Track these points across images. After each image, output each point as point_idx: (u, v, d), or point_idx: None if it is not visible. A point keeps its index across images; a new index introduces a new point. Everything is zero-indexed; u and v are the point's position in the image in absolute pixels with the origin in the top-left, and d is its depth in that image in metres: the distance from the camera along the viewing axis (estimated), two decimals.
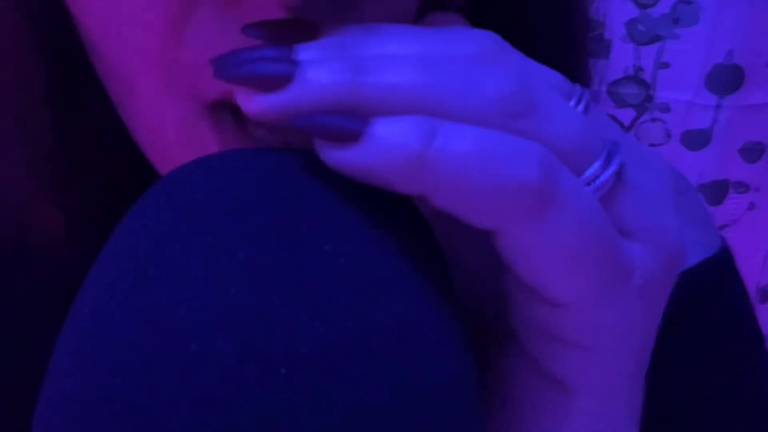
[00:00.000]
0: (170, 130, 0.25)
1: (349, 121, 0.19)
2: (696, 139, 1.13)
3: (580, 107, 0.22)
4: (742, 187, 1.16)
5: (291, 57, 0.20)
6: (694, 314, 0.37)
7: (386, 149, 0.19)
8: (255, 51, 0.21)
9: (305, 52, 0.21)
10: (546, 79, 0.22)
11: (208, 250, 0.19)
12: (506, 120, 0.20)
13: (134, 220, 0.21)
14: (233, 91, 0.22)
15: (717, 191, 1.16)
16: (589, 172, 0.21)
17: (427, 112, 0.20)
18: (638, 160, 0.22)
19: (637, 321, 0.22)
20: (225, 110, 0.25)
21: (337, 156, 0.20)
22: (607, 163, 0.21)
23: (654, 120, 1.12)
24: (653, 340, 0.23)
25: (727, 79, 1.10)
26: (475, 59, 0.21)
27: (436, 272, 0.21)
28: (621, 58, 1.09)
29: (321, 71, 0.20)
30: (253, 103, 0.20)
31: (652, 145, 1.11)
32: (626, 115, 1.12)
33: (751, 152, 1.14)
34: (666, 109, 1.12)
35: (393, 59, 0.20)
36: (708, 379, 0.37)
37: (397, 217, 0.21)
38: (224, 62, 0.21)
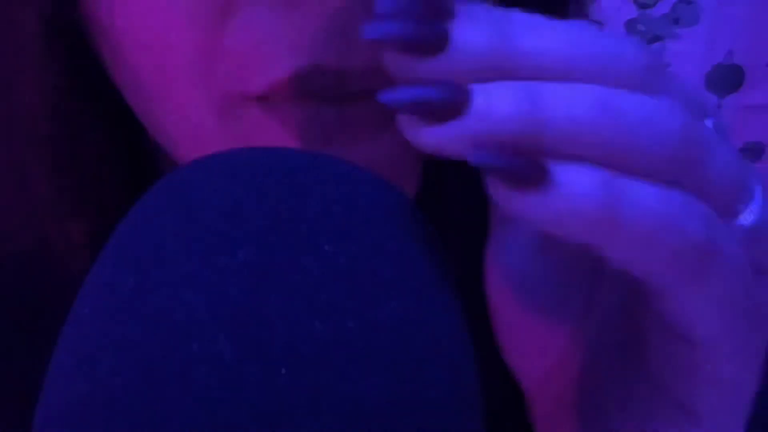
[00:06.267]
0: (211, 127, 0.24)
1: (533, 167, 0.18)
2: None
3: (711, 125, 0.21)
4: None
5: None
6: None
7: (572, 202, 0.18)
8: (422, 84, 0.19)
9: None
10: (695, 103, 0.21)
11: (208, 250, 0.19)
12: (676, 164, 0.19)
13: (135, 220, 0.21)
14: (282, 83, 0.22)
15: None
16: (743, 216, 0.21)
17: (602, 154, 0.19)
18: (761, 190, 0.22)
19: (761, 353, 0.22)
20: (277, 101, 0.24)
21: (517, 202, 0.19)
22: (753, 203, 0.21)
23: None
24: None
25: (727, 79, 1.10)
26: (639, 82, 0.20)
27: (437, 272, 0.21)
28: None
29: (494, 100, 0.19)
30: (425, 136, 0.19)
31: None
32: None
33: (751, 152, 1.14)
34: None
35: (566, 88, 0.19)
36: None
37: (398, 217, 0.21)
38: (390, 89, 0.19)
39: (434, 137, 0.19)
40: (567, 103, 0.19)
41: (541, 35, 0.19)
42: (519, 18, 0.19)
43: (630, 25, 1.07)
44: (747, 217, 0.21)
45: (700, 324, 0.21)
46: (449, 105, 0.19)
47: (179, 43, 0.24)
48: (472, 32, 0.19)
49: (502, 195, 0.19)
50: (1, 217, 0.32)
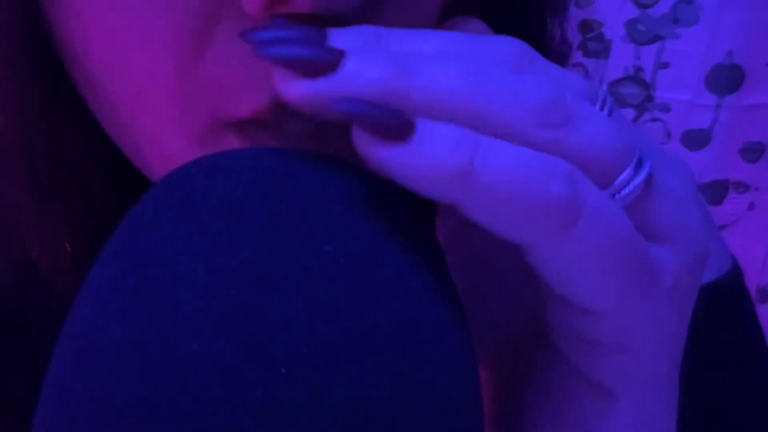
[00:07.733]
0: (189, 153, 0.24)
1: (398, 118, 0.19)
2: (696, 139, 1.13)
3: (605, 111, 0.22)
4: (742, 187, 1.16)
5: (327, 42, 0.20)
6: (714, 332, 0.38)
7: (432, 155, 0.19)
8: (292, 29, 0.20)
9: (340, 39, 0.20)
10: (575, 85, 0.22)
11: (208, 250, 0.19)
12: (542, 131, 0.20)
13: (134, 220, 0.21)
14: (262, 110, 0.22)
15: (717, 191, 1.16)
16: (621, 179, 0.21)
17: (466, 118, 0.20)
18: (663, 163, 0.23)
19: (669, 320, 0.22)
20: (252, 129, 0.24)
21: (379, 153, 0.19)
22: (637, 169, 0.21)
23: (654, 120, 1.12)
24: (684, 339, 0.24)
25: (727, 79, 1.10)
26: (510, 66, 0.21)
27: (436, 272, 0.21)
28: (621, 58, 1.09)
29: (365, 64, 0.20)
30: (293, 88, 0.20)
31: None
32: (626, 115, 1.12)
33: (751, 152, 1.14)
34: (666, 109, 1.12)
35: (435, 61, 0.20)
36: (721, 397, 0.38)
37: (398, 216, 0.21)
38: (262, 39, 0.20)
39: (302, 91, 0.20)
40: (433, 75, 0.20)
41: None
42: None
43: (630, 25, 1.07)
44: (632, 185, 0.21)
45: (575, 282, 0.21)
46: (321, 63, 0.19)
47: (157, 72, 0.24)
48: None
49: (366, 146, 0.19)
50: None
